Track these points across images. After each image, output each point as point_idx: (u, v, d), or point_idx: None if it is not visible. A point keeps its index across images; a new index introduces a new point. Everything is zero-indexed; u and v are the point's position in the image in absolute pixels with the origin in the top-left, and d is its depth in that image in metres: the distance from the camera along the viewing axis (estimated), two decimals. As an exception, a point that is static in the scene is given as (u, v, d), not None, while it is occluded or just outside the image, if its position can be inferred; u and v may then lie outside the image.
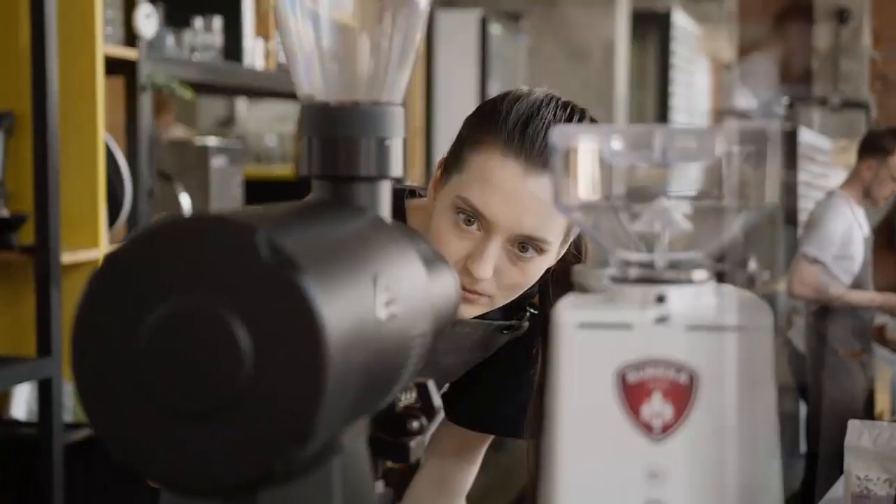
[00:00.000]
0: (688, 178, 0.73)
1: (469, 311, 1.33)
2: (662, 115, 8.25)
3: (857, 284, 4.49)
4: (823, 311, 4.48)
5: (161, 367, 0.62)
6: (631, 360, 0.68)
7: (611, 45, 6.30)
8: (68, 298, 2.56)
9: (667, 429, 0.68)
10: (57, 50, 2.49)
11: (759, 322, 0.68)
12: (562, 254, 1.36)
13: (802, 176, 7.31)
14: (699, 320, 0.68)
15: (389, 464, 0.82)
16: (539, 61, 6.32)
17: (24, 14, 2.48)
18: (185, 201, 3.08)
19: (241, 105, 6.60)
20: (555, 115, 1.30)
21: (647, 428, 0.68)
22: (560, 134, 0.70)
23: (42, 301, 2.43)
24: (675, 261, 0.71)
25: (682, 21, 8.36)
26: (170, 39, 3.10)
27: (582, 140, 0.70)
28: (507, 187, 1.27)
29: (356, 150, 0.81)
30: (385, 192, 0.83)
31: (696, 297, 0.70)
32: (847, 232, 4.44)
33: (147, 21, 2.73)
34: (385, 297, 0.70)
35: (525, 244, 1.29)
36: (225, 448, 0.61)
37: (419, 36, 0.85)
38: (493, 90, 6.31)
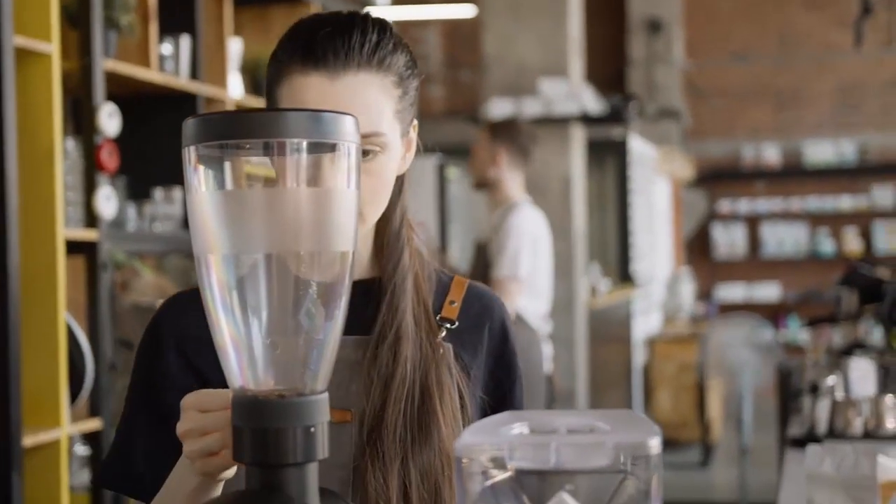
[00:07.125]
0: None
1: None
2: (623, 237, 8.37)
3: None
4: None
5: None
6: None
7: (568, 179, 6.44)
8: (31, 482, 2.59)
9: None
10: (18, 235, 2.55)
11: None
12: (412, 147, 1.33)
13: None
14: None
15: None
16: (498, 198, 6.41)
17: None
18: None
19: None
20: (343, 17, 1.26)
21: None
22: (463, 446, 0.77)
23: (4, 488, 2.45)
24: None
25: (638, 146, 8.55)
26: (132, 212, 3.19)
27: (485, 451, 0.77)
28: (314, 99, 1.22)
29: (284, 439, 0.88)
30: (312, 473, 0.89)
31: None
32: None
33: (107, 203, 2.81)
34: None
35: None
36: None
37: (340, 327, 0.92)
38: (454, 232, 6.42)
